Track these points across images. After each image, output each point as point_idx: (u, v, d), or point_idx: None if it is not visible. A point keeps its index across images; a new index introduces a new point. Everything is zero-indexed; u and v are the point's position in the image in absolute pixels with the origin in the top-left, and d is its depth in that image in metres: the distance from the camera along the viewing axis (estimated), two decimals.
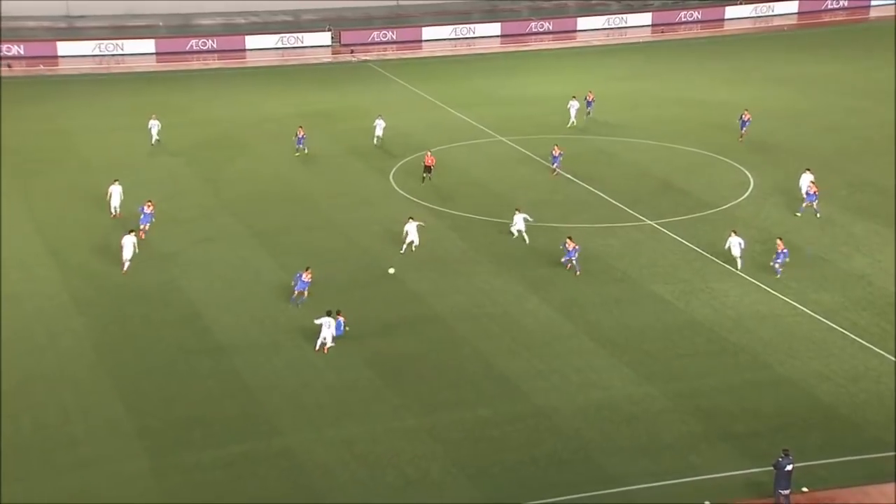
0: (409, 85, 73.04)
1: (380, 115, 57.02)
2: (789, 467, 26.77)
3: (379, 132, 56.47)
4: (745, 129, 57.56)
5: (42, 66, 77.04)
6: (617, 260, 42.50)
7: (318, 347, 34.40)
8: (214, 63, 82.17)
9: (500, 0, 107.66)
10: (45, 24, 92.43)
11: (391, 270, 40.74)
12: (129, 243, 40.34)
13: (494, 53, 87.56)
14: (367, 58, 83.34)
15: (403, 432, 30.44)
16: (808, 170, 48.50)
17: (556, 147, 53.02)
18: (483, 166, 54.87)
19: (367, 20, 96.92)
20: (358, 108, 66.67)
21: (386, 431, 30.44)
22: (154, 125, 56.24)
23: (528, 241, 43.45)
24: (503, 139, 59.31)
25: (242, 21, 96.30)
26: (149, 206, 43.88)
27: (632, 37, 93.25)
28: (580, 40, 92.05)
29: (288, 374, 33.48)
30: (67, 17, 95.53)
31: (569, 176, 52.47)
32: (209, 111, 66.27)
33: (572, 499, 27.56)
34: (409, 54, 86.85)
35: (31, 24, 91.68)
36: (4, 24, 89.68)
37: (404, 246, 42.27)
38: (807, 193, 46.86)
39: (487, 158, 56.35)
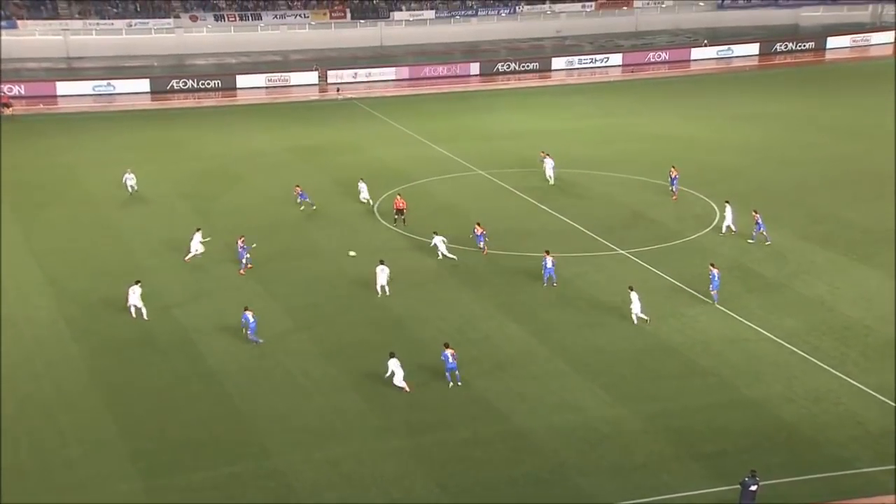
0: (392, 121, 73.15)
1: (361, 179, 53.37)
2: (754, 487, 26.77)
3: (365, 195, 52.53)
4: (674, 186, 53.55)
5: (42, 105, 76.71)
6: (591, 287, 42.47)
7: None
8: (208, 101, 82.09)
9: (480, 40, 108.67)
10: (46, 64, 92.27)
11: (351, 253, 42.38)
12: (134, 295, 38.59)
13: (473, 91, 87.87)
14: (353, 95, 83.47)
15: (388, 453, 30.16)
16: (728, 202, 48.67)
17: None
18: (463, 198, 54.86)
19: (353, 59, 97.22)
20: (344, 143, 66.73)
21: (371, 452, 30.15)
22: (129, 178, 53.65)
23: (455, 258, 44.24)
24: (482, 172, 59.36)
25: (233, 61, 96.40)
26: (241, 240, 43.96)
27: (603, 76, 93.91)
28: (555, 79, 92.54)
29: (276, 398, 33.17)
30: (67, 58, 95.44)
31: (547, 209, 52.51)
32: (202, 147, 66.10)
33: None
34: (391, 92, 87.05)
35: (31, 65, 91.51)
36: (6, 65, 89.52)
37: (378, 289, 41.37)
38: (756, 223, 46.87)
39: (468, 190, 56.37)
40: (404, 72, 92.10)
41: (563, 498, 28.12)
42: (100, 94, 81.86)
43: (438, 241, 45.04)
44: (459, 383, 33.57)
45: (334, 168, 60.30)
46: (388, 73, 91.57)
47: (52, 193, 54.77)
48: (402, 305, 40.51)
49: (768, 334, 37.99)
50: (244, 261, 43.74)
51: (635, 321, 38.84)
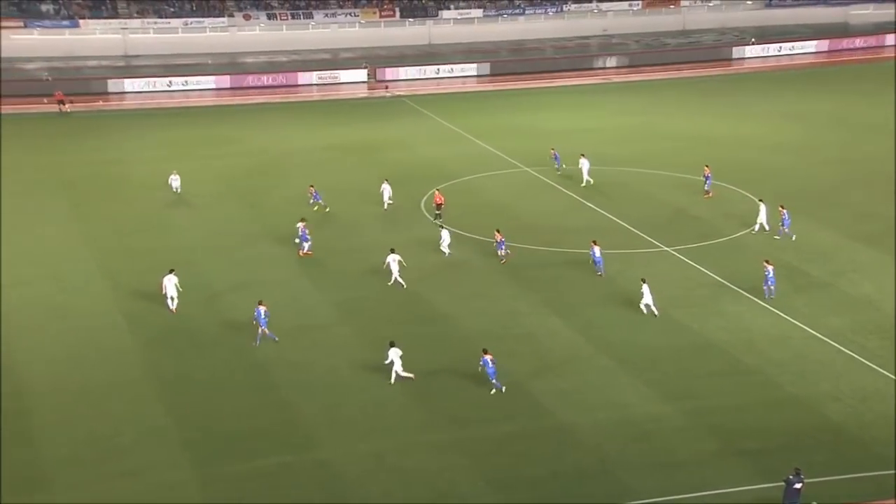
0: (440, 118, 73.09)
1: (386, 179, 52.32)
2: (798, 485, 26.24)
3: (386, 197, 51.46)
4: (708, 184, 52.93)
5: (101, 102, 77.73)
6: (635, 284, 41.90)
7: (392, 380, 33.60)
8: (258, 98, 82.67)
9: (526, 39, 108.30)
10: (105, 62, 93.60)
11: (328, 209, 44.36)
12: (170, 283, 39.02)
13: (519, 89, 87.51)
14: (401, 93, 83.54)
15: (432, 446, 30.10)
16: (761, 200, 48.14)
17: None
18: (508, 194, 54.65)
19: (401, 58, 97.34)
20: (392, 139, 66.82)
21: (415, 445, 30.12)
22: (174, 179, 53.65)
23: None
24: (528, 169, 59.07)
25: (285, 59, 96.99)
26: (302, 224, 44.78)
27: (651, 74, 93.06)
28: (600, 77, 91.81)
29: (322, 390, 33.26)
30: (125, 56, 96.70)
31: (592, 206, 52.16)
32: (253, 143, 66.54)
33: None
34: (439, 90, 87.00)
35: (92, 62, 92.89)
36: (70, 63, 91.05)
37: (393, 278, 41.37)
38: (782, 218, 46.32)
39: (513, 187, 56.14)
40: (449, 69, 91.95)
41: (606, 493, 27.86)
42: (156, 91, 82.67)
43: (445, 234, 45.13)
44: (503, 389, 32.73)
45: (382, 164, 60.33)
46: (434, 70, 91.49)
47: (108, 189, 55.45)
48: (445, 300, 40.43)
49: (814, 332, 37.33)
50: (307, 245, 44.27)
51: (644, 311, 38.61)
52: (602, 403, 32.60)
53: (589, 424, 31.30)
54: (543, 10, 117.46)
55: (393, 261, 41.35)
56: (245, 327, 37.41)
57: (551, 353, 36.11)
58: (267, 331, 36.12)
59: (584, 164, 55.76)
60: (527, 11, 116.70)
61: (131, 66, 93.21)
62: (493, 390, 32.62)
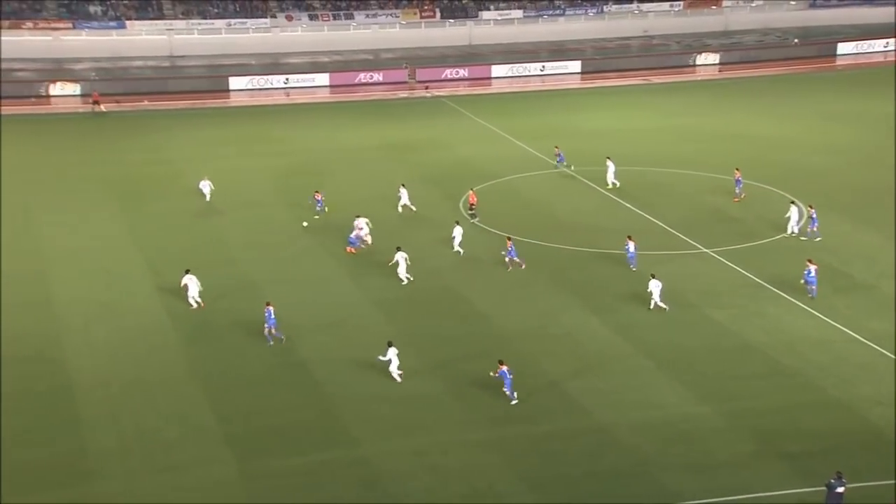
0: (479, 119, 73.10)
1: (403, 184, 51.64)
2: (840, 489, 25.94)
3: (405, 200, 50.79)
4: (738, 187, 52.28)
5: (146, 102, 78.66)
6: (673, 285, 41.72)
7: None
8: (300, 98, 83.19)
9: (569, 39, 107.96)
10: (151, 63, 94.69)
11: (305, 223, 45.54)
12: (192, 283, 39.44)
13: (561, 90, 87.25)
14: (441, 93, 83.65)
15: (471, 445, 30.15)
16: (793, 202, 47.74)
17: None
18: (547, 194, 54.53)
19: (441, 58, 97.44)
20: (432, 139, 66.94)
21: (454, 443, 30.18)
22: (205, 185, 52.64)
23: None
24: (566, 170, 58.86)
25: (326, 59, 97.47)
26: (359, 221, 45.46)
27: (693, 75, 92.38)
28: (639, 78, 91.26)
29: (363, 388, 33.43)
30: (170, 56, 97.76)
31: (630, 207, 51.93)
32: (295, 142, 66.94)
33: None
34: (479, 90, 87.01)
35: (138, 63, 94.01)
36: (117, 63, 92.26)
37: (405, 278, 41.64)
38: (810, 218, 46.08)
39: (551, 187, 56.00)
40: (489, 70, 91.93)
41: (644, 494, 27.74)
42: (203, 91, 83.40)
43: (457, 231, 45.04)
44: (514, 400, 32.24)
45: (422, 165, 60.51)
46: (476, 71, 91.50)
47: (155, 188, 56.06)
48: (485, 299, 40.45)
49: (856, 335, 36.86)
50: (365, 237, 45.11)
51: (651, 306, 38.60)
52: (640, 404, 32.45)
53: (626, 425, 31.18)
54: (584, 11, 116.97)
55: (401, 258, 41.61)
56: (287, 324, 37.69)
57: (589, 352, 36.00)
58: (274, 330, 36.26)
59: (610, 167, 55.39)
60: (567, 12, 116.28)
61: (176, 67, 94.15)
62: (513, 402, 32.10)
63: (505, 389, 32.12)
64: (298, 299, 40.45)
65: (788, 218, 46.98)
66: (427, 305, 40.00)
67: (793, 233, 46.75)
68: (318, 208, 49.96)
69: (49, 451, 29.61)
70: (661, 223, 49.29)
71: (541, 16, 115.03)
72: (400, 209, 50.55)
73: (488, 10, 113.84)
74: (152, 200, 53.61)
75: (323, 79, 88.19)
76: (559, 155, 58.83)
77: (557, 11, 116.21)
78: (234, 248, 46.46)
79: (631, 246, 42.89)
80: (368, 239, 45.81)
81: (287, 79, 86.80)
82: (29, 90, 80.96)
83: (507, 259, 43.01)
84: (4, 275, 42.54)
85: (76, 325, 37.89)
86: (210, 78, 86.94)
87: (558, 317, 38.91)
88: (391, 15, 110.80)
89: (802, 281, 39.88)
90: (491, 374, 32.35)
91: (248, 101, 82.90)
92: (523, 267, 42.94)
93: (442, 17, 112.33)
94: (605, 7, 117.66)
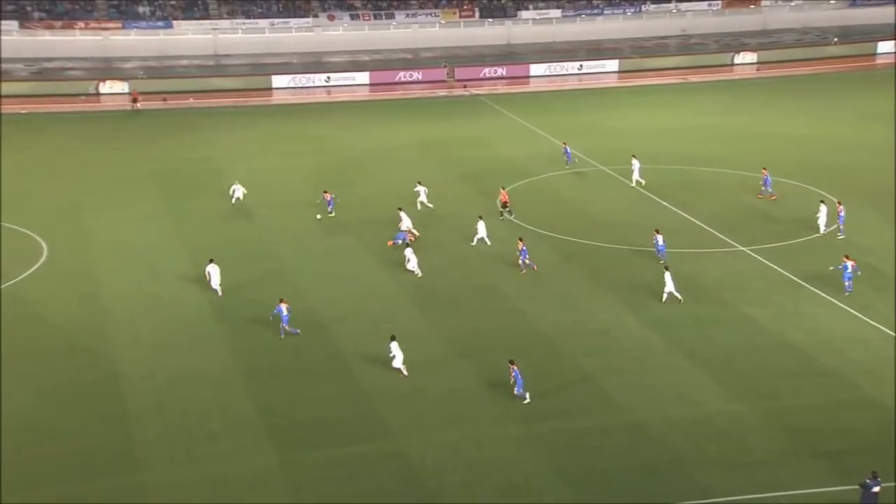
0: (517, 117, 72.93)
1: (419, 182, 51.44)
2: (876, 489, 25.57)
3: (423, 198, 50.68)
4: (767, 186, 51.56)
5: (192, 99, 79.40)
6: (710, 283, 41.43)
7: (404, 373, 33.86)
8: (340, 96, 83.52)
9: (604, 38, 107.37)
10: (197, 61, 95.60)
11: (318, 216, 46.89)
12: (214, 272, 40.22)
13: (599, 88, 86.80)
14: (479, 92, 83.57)
15: (507, 439, 30.12)
16: (822, 201, 47.27)
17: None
18: (584, 192, 54.30)
19: (480, 57, 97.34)
20: (470, 138, 66.89)
21: (490, 438, 30.17)
22: (237, 189, 51.69)
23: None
24: (604, 168, 58.58)
25: (367, 58, 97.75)
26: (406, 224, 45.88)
27: (731, 74, 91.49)
28: (678, 76, 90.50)
29: (400, 382, 33.49)
30: (215, 55, 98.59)
31: (668, 205, 51.55)
32: (335, 140, 67.19)
33: None
34: (517, 89, 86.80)
35: (184, 62, 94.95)
36: (163, 62, 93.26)
37: (417, 271, 42.00)
38: (837, 215, 45.86)
39: (588, 185, 55.74)
40: (527, 69, 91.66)
41: (679, 490, 27.53)
42: (246, 89, 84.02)
43: (480, 226, 45.09)
44: (527, 399, 31.90)
45: (459, 162, 60.51)
46: (515, 70, 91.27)
47: (198, 183, 56.51)
48: (522, 296, 40.38)
49: (894, 334, 36.28)
50: (411, 229, 45.55)
51: (664, 298, 38.67)
52: (676, 400, 32.22)
53: (662, 421, 30.97)
54: (622, 11, 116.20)
55: (410, 253, 42.02)
56: (325, 318, 37.87)
57: (625, 349, 35.81)
58: (288, 326, 36.40)
59: (635, 165, 54.96)
60: (605, 12, 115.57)
61: (221, 65, 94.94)
62: (526, 401, 31.83)
63: (517, 390, 31.86)
64: (337, 293, 40.64)
65: (818, 217, 46.42)
66: (463, 301, 40.00)
67: (824, 231, 46.17)
68: (328, 208, 49.55)
69: (96, 440, 30.00)
70: (697, 221, 48.88)
71: (579, 15, 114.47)
72: (418, 206, 50.23)
73: (527, 9, 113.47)
74: (196, 196, 54.08)
75: (363, 77, 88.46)
76: (567, 151, 58.56)
77: (595, 11, 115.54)
78: (273, 243, 46.74)
79: (660, 239, 43.08)
80: (415, 231, 45.92)
81: (328, 77, 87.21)
82: (81, 89, 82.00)
83: (520, 261, 42.59)
84: (54, 268, 43.20)
85: (122, 318, 38.35)
86: (253, 76, 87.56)
87: (594, 313, 38.73)
88: (431, 14, 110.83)
89: (835, 268, 39.48)
90: (510, 379, 31.98)
91: (290, 98, 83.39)
92: (535, 268, 42.37)
93: (481, 16, 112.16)
94: (643, 6, 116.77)
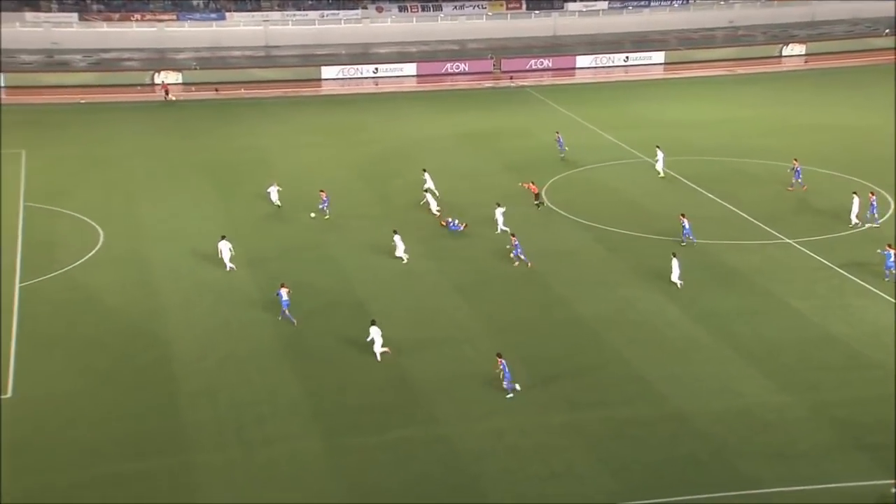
0: (562, 108, 72.41)
1: (425, 169, 51.30)
2: None
3: (431, 184, 50.24)
4: (798, 177, 50.90)
5: (243, 90, 79.97)
6: (755, 275, 40.82)
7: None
8: (388, 87, 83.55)
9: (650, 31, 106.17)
10: (248, 52, 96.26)
11: (312, 215, 46.69)
12: (225, 248, 41.34)
13: (642, 81, 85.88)
14: (525, 83, 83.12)
15: (549, 427, 29.98)
16: (855, 192, 46.42)
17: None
18: (627, 183, 53.75)
19: (526, 49, 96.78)
20: (515, 128, 66.57)
21: (533, 426, 30.05)
22: (273, 190, 50.26)
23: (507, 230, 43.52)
24: (648, 159, 57.94)
25: (414, 49, 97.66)
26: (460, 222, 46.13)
27: (779, 66, 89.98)
28: (725, 69, 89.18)
29: (445, 369, 33.50)
30: (266, 46, 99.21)
31: (713, 197, 50.88)
32: (382, 130, 67.24)
33: (709, 498, 26.53)
34: (563, 80, 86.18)
35: (236, 53, 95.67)
36: (216, 53, 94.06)
37: (404, 257, 42.04)
38: (870, 204, 45.35)
39: (633, 177, 55.17)
40: (573, 61, 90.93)
41: (723, 481, 27.21)
42: (297, 80, 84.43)
43: (499, 212, 45.06)
44: (517, 388, 31.65)
45: (504, 152, 60.26)
46: (561, 62, 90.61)
47: (248, 172, 56.88)
48: (564, 285, 40.12)
49: None
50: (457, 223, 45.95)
51: (675, 283, 38.98)
52: (719, 392, 31.83)
53: (706, 412, 30.61)
54: (669, 2, 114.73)
55: (398, 240, 42.27)
56: (372, 308, 37.95)
57: (668, 340, 35.43)
58: (287, 312, 36.51)
59: (660, 156, 54.46)
60: (652, 3, 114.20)
61: (271, 56, 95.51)
62: (510, 394, 31.48)
63: (505, 384, 31.47)
64: (380, 283, 40.68)
65: (852, 209, 45.78)
66: (506, 291, 39.84)
67: (856, 223, 45.41)
68: (321, 207, 48.42)
69: (149, 421, 30.41)
70: (742, 213, 48.17)
71: (626, 7, 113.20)
72: (426, 194, 49.73)
73: (574, 1, 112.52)
74: (245, 184, 54.43)
75: (411, 68, 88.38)
76: (559, 140, 58.20)
77: (642, 3, 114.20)
78: (320, 231, 46.91)
79: (686, 223, 43.25)
80: (462, 227, 46.10)
81: (376, 68, 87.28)
82: (137, 79, 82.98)
83: (512, 255, 42.12)
84: (110, 254, 43.81)
85: (175, 302, 38.78)
86: (303, 67, 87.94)
87: (638, 304, 38.37)
88: (478, 6, 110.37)
89: (881, 251, 39.01)
90: (496, 371, 31.73)
91: (339, 89, 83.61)
92: (530, 265, 41.67)
93: (528, 8, 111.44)
94: None
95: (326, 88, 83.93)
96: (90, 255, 43.54)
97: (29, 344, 35.13)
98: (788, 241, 44.43)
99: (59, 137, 64.04)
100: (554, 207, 49.44)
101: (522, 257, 41.99)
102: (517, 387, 31.61)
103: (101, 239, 44.96)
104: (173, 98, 75.43)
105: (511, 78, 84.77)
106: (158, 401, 31.50)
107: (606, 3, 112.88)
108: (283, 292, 36.70)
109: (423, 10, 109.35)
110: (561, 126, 67.04)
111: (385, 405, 31.25)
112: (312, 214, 48.08)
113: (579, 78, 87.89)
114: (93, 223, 47.42)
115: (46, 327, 36.55)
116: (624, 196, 51.43)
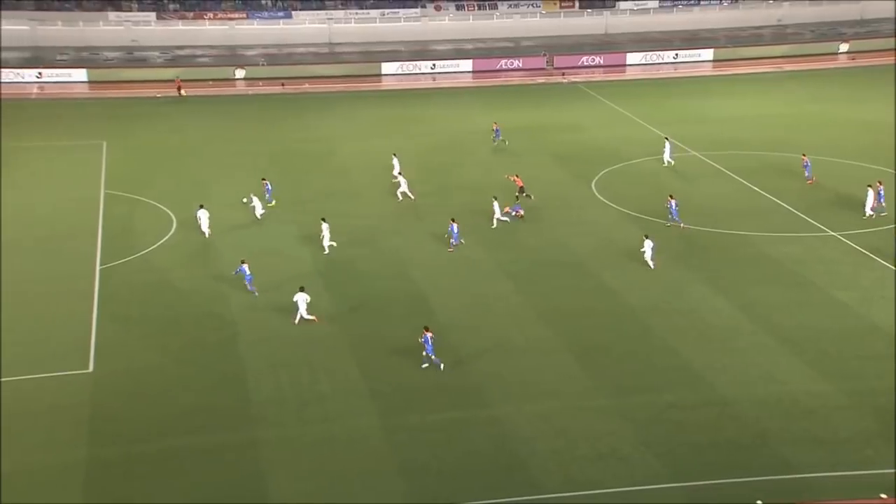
0: (612, 103, 71.64)
1: (394, 154, 52.34)
2: None
3: (397, 169, 50.99)
4: (808, 172, 50.44)
5: (308, 85, 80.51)
6: (799, 266, 40.04)
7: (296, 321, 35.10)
8: (445, 82, 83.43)
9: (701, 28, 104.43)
10: (312, 49, 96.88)
11: (244, 200, 46.13)
12: (203, 216, 43.79)
13: (691, 77, 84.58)
14: (577, 79, 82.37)
15: (596, 411, 29.78)
16: (870, 186, 45.40)
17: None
18: (674, 177, 53.02)
19: (578, 46, 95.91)
20: (565, 123, 66.02)
21: (580, 409, 29.87)
22: (255, 201, 46.82)
23: (507, 220, 44.18)
24: (697, 154, 57.10)
25: (470, 47, 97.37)
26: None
27: (827, 63, 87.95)
28: (773, 66, 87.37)
29: (496, 353, 33.42)
30: (329, 43, 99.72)
31: (759, 190, 49.99)
32: (439, 123, 67.17)
33: (751, 481, 26.15)
34: (613, 77, 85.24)
35: (301, 49, 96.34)
36: (282, 50, 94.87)
37: (326, 245, 42.07)
38: (877, 193, 44.80)
39: (680, 171, 54.37)
40: (624, 58, 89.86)
41: (765, 466, 26.80)
42: (358, 76, 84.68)
43: (496, 205, 44.89)
44: (441, 367, 31.93)
45: (555, 146, 59.84)
46: (612, 59, 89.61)
47: (311, 163, 57.28)
48: (610, 274, 39.75)
49: None
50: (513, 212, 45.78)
51: (652, 265, 39.31)
52: (762, 379, 31.31)
53: (748, 399, 30.15)
54: (718, 1, 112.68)
55: (325, 229, 42.21)
56: (429, 293, 37.98)
57: (713, 328, 34.93)
58: (249, 286, 37.76)
59: (667, 147, 54.27)
60: (702, 2, 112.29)
61: (334, 53, 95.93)
62: (425, 364, 31.84)
63: (427, 353, 31.79)
64: (436, 272, 40.67)
65: (866, 201, 44.92)
66: (555, 279, 39.60)
67: (870, 215, 44.56)
68: (266, 196, 47.78)
69: (216, 397, 30.87)
70: (787, 206, 47.24)
71: (676, 6, 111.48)
72: (395, 177, 50.46)
73: (625, 0, 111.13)
74: (309, 174, 54.86)
75: (466, 65, 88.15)
76: (496, 130, 58.71)
77: (692, 2, 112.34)
78: (377, 217, 47.02)
79: (673, 204, 43.64)
80: (521, 211, 46.03)
81: (434, 64, 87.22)
82: (211, 74, 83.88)
83: (450, 240, 42.14)
84: (182, 239, 44.46)
85: (241, 285, 39.16)
86: (364, 63, 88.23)
87: (683, 293, 37.88)
88: (532, 5, 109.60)
89: None
90: (419, 341, 32.09)
91: (398, 84, 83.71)
92: (457, 243, 42.14)
93: (580, 6, 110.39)
94: None
95: (386, 83, 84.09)
96: (164, 240, 44.27)
97: (108, 323, 35.87)
98: (832, 233, 43.48)
99: (137, 129, 65.15)
100: (602, 199, 48.99)
101: (454, 242, 42.08)
102: (440, 365, 31.85)
103: (174, 225, 45.66)
104: (184, 93, 75.48)
105: (563, 74, 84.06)
106: (226, 379, 31.94)
107: (657, 1, 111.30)
108: (245, 268, 37.86)
109: (479, 8, 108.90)
110: (611, 121, 66.41)
111: (439, 386, 31.29)
112: (244, 200, 47.65)
113: (629, 74, 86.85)
114: (167, 210, 48.19)
115: (124, 308, 37.26)
116: (671, 189, 50.64)
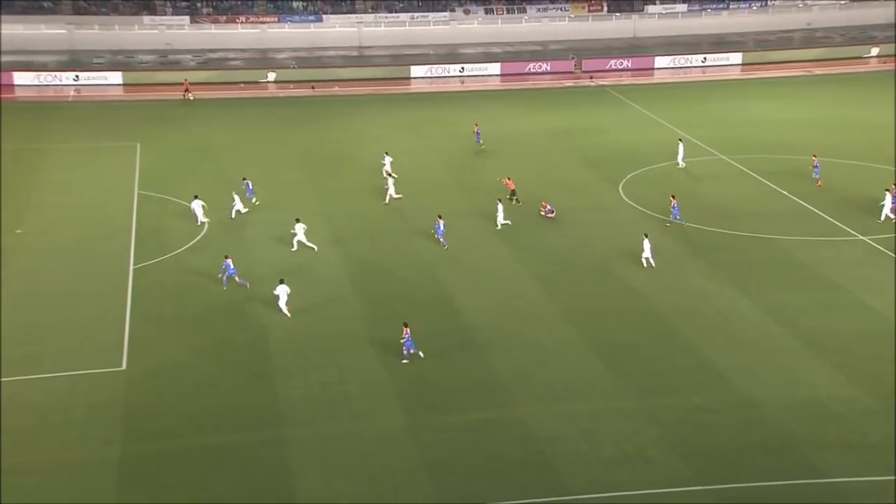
0: (640, 107, 71.25)
1: (386, 153, 52.91)
2: None
3: (388, 168, 52.08)
4: (816, 173, 50.09)
5: (337, 88, 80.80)
6: (828, 270, 39.59)
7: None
8: (473, 85, 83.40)
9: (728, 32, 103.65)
10: (342, 52, 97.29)
11: (18, 231, 44.40)
12: (197, 207, 45.16)
13: (719, 81, 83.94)
14: (605, 83, 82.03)
15: (622, 412, 29.63)
16: (888, 190, 44.89)
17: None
18: (703, 181, 52.62)
19: (606, 50, 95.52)
20: (592, 126, 65.72)
21: (606, 411, 29.73)
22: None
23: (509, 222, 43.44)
24: (725, 157, 56.64)
25: (499, 50, 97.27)
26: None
27: (857, 67, 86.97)
28: (802, 69, 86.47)
29: (524, 355, 33.35)
30: (359, 47, 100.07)
31: (788, 194, 49.51)
32: (467, 126, 66.97)
33: (778, 485, 25.88)
34: (642, 80, 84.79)
35: (331, 52, 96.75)
36: (313, 53, 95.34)
37: (295, 243, 42.35)
38: (893, 197, 44.00)
39: (708, 174, 53.98)
40: (652, 61, 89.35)
41: (793, 470, 26.51)
42: (385, 78, 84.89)
43: (500, 208, 44.83)
44: (421, 354, 32.55)
45: (583, 149, 59.58)
46: (640, 62, 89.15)
47: (341, 164, 57.41)
48: (637, 277, 39.53)
49: None
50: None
51: (645, 265, 39.28)
52: (789, 383, 31.00)
53: (775, 402, 29.85)
54: (748, 5, 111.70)
55: (300, 229, 42.54)
56: (455, 293, 37.97)
57: (739, 331, 34.64)
58: (237, 278, 38.52)
59: (680, 149, 54.23)
60: (731, 6, 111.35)
61: (364, 56, 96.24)
62: (405, 360, 32.47)
63: (408, 348, 32.44)
64: (465, 269, 40.67)
65: (882, 204, 44.32)
66: (583, 282, 39.44)
67: (888, 217, 43.93)
68: (248, 195, 48.14)
69: (246, 396, 31.04)
70: (816, 210, 46.72)
71: (704, 10, 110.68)
72: (384, 175, 50.88)
73: (654, 3, 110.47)
74: (338, 175, 55.00)
75: (495, 68, 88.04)
76: (477, 133, 58.77)
77: (721, 5, 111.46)
78: (407, 219, 47.05)
79: (675, 204, 44.08)
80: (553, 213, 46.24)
81: (462, 68, 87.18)
82: (245, 77, 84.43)
83: (436, 237, 42.64)
84: (213, 239, 44.74)
85: (269, 287, 39.26)
86: (394, 66, 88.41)
87: (710, 297, 37.59)
88: (561, 9, 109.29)
89: None
90: (401, 340, 32.48)
91: (427, 87, 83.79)
92: (444, 246, 42.31)
93: (609, 10, 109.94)
94: (769, 0, 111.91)
95: (415, 86, 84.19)
96: (195, 240, 44.59)
97: (141, 322, 36.20)
98: (861, 237, 42.95)
99: (171, 131, 65.71)
100: (630, 202, 48.72)
101: (441, 239, 42.29)
102: (420, 353, 32.44)
103: (206, 226, 45.96)
104: (191, 97, 75.73)
105: (591, 78, 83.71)
106: (256, 377, 32.11)
107: (685, 5, 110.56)
108: (229, 262, 38.40)
109: (507, 12, 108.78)
110: (638, 124, 66.05)
111: (465, 387, 31.28)
112: (255, 201, 48.36)
113: (657, 78, 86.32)
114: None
115: (156, 307, 37.58)
116: (697, 192, 50.36)
